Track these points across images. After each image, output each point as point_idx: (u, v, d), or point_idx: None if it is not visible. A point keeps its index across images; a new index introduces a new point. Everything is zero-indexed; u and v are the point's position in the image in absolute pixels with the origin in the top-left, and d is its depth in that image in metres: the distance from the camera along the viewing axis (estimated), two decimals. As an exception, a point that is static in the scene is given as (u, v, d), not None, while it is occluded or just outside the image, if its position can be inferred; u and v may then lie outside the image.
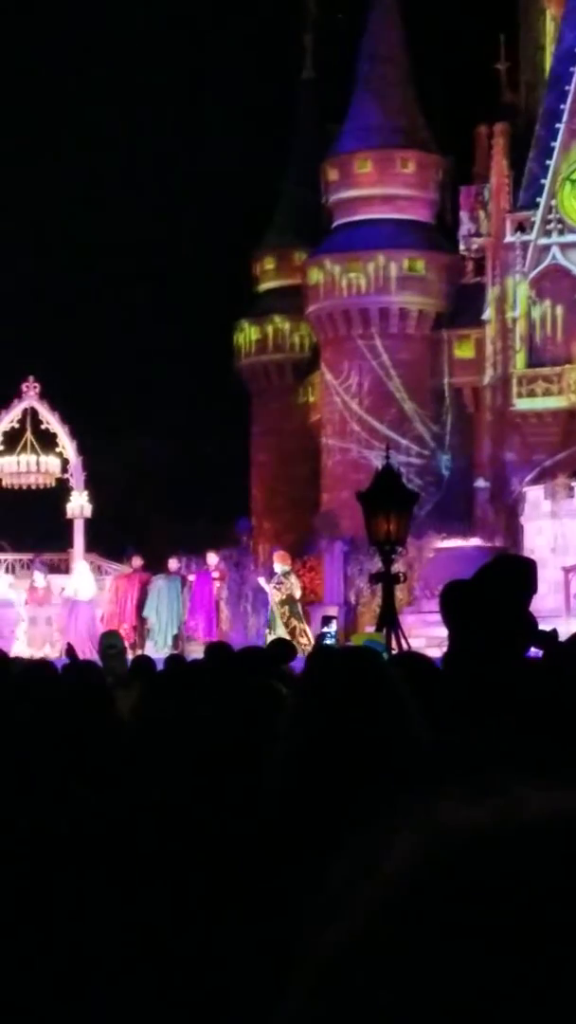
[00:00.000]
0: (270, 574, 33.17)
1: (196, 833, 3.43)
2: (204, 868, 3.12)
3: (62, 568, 35.90)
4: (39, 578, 34.02)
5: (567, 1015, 0.70)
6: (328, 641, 16.42)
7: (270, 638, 30.65)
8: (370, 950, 0.74)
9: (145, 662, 10.80)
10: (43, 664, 7.70)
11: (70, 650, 11.52)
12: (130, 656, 19.03)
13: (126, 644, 31.38)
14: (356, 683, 2.70)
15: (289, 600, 32.90)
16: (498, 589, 4.38)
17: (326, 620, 31.19)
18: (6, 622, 33.59)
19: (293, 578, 33.27)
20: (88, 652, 27.55)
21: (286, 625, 32.21)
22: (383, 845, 0.78)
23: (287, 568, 33.37)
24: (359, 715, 2.63)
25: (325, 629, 29.13)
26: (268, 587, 32.81)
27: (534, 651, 5.13)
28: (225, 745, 4.08)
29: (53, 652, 29.04)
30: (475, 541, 38.42)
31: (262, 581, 33.13)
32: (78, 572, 34.12)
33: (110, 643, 13.95)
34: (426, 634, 27.36)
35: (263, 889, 2.61)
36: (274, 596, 32.77)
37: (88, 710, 5.22)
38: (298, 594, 33.14)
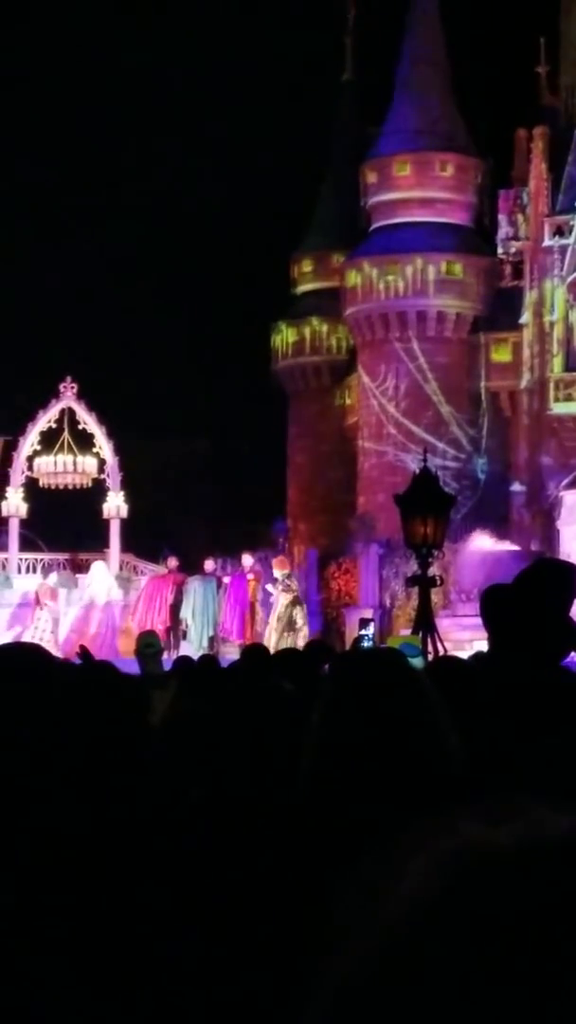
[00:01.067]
0: (271, 581, 33.26)
1: (216, 836, 3.44)
2: (226, 871, 3.13)
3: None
4: (50, 580, 34.03)
5: None
6: (366, 644, 16.36)
7: (275, 639, 30.75)
8: (385, 973, 0.73)
9: (186, 662, 10.83)
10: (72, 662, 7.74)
11: (83, 652, 11.51)
12: (166, 657, 19.08)
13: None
14: (378, 685, 2.70)
15: (296, 602, 33.08)
16: (538, 593, 4.38)
17: (363, 623, 31.17)
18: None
19: (295, 581, 33.51)
20: (103, 654, 27.52)
21: (291, 626, 32.42)
22: (399, 866, 0.78)
23: (287, 571, 33.55)
24: (382, 716, 2.63)
25: (363, 632, 29.09)
26: (276, 590, 32.89)
27: (573, 657, 5.13)
28: (232, 750, 4.09)
29: (57, 653, 28.98)
30: (512, 545, 38.35)
31: (271, 587, 33.19)
32: (94, 573, 34.11)
33: (147, 642, 13.93)
34: (458, 638, 27.34)
35: (289, 894, 2.62)
36: (284, 598, 32.86)
37: (102, 710, 5.23)
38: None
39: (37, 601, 32.99)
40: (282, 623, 32.55)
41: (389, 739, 2.59)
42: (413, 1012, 0.72)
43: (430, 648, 19.38)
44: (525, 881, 0.74)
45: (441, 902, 0.74)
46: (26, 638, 31.02)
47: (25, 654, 3.92)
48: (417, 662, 13.38)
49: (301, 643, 27.21)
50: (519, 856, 0.75)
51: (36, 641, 30.51)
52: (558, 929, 0.72)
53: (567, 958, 0.71)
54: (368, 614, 34.99)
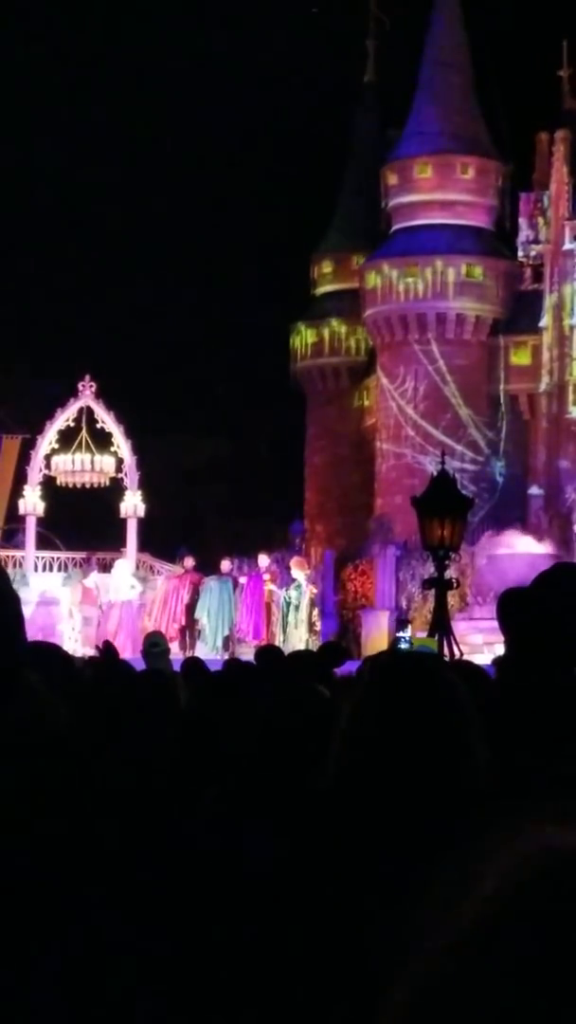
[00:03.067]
0: (287, 580, 33.26)
1: (240, 834, 3.43)
2: (244, 870, 3.13)
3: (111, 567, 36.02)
4: (91, 579, 34.18)
5: None
6: (403, 645, 16.39)
7: (299, 639, 30.78)
8: (461, 976, 0.73)
9: (195, 663, 10.82)
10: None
11: (106, 647, 11.48)
12: (181, 657, 19.08)
13: (175, 644, 31.62)
14: (418, 688, 2.69)
15: (313, 603, 33.20)
16: (556, 598, 4.37)
17: (401, 624, 31.06)
18: (53, 620, 33.68)
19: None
20: (121, 653, 27.60)
21: (311, 628, 32.50)
22: (474, 868, 0.77)
23: (308, 572, 33.64)
24: (420, 720, 2.62)
25: (400, 634, 29.01)
26: (305, 587, 32.92)
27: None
28: (271, 748, 4.08)
29: (84, 651, 29.13)
30: (529, 548, 38.27)
31: (298, 580, 33.15)
32: (116, 573, 34.20)
33: (153, 642, 13.97)
34: (474, 641, 27.32)
35: (315, 894, 2.61)
36: (309, 593, 32.95)
37: (121, 705, 5.22)
38: None
39: (84, 599, 33.24)
40: (305, 623, 32.59)
41: (421, 746, 2.58)
42: (489, 1015, 0.72)
43: (446, 651, 19.35)
44: None
45: (517, 905, 0.74)
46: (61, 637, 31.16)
47: (43, 652, 3.93)
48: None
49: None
50: None
51: (67, 640, 30.72)
52: None
53: None
54: (386, 614, 35.00)
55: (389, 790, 2.53)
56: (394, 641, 24.73)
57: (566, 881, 0.74)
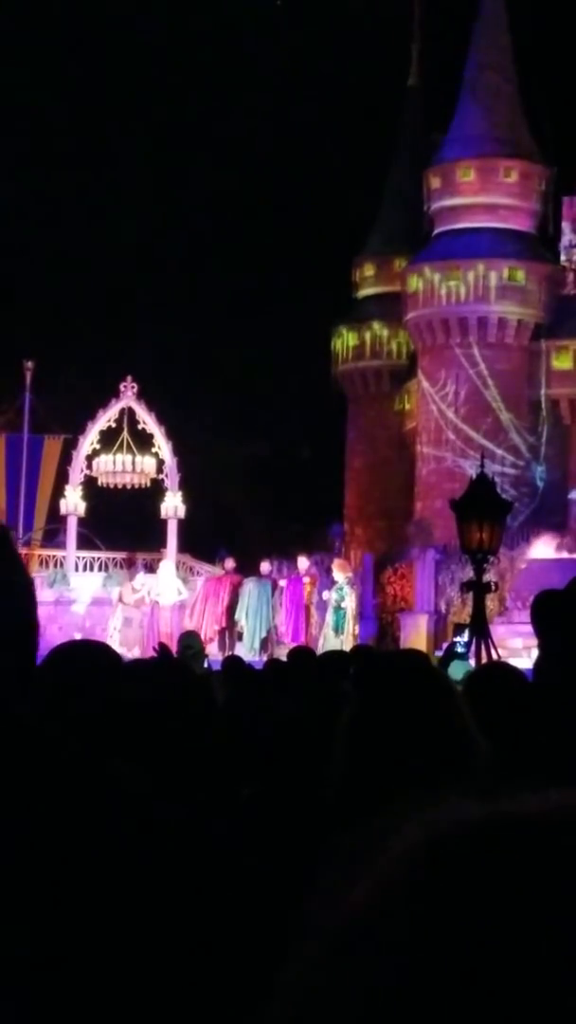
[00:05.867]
0: (330, 583, 33.22)
1: (265, 826, 3.48)
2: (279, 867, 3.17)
3: (155, 569, 36.10)
4: (138, 580, 34.22)
5: (564, 1008, 0.67)
6: (459, 650, 16.41)
7: (335, 642, 30.74)
8: (364, 937, 0.72)
9: (236, 662, 10.90)
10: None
11: (161, 648, 11.54)
12: (219, 657, 19.17)
13: (214, 645, 31.69)
14: (400, 687, 2.73)
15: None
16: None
17: (458, 628, 30.96)
18: (99, 619, 33.77)
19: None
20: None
21: (349, 631, 32.52)
22: (382, 839, 0.77)
23: (350, 575, 33.63)
24: (407, 719, 2.66)
25: (456, 639, 28.89)
26: (347, 589, 32.91)
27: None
28: (292, 745, 4.12)
29: (143, 654, 29.16)
30: (568, 553, 38.16)
31: (344, 588, 33.13)
32: (161, 574, 34.26)
33: (187, 643, 14.10)
34: (513, 645, 27.27)
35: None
36: (352, 599, 32.93)
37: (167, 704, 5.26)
38: None
39: (120, 599, 33.36)
40: (345, 626, 32.56)
41: (414, 743, 2.63)
42: (367, 999, 0.70)
43: (484, 654, 19.34)
44: (500, 852, 0.72)
45: (418, 872, 0.73)
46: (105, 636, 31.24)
47: (91, 650, 3.99)
48: (463, 666, 13.39)
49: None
50: (493, 827, 0.73)
51: (108, 639, 30.80)
52: (533, 900, 0.70)
53: (542, 929, 0.69)
54: (425, 617, 34.93)
55: (386, 788, 2.57)
56: (451, 646, 24.67)
57: (462, 854, 0.73)
